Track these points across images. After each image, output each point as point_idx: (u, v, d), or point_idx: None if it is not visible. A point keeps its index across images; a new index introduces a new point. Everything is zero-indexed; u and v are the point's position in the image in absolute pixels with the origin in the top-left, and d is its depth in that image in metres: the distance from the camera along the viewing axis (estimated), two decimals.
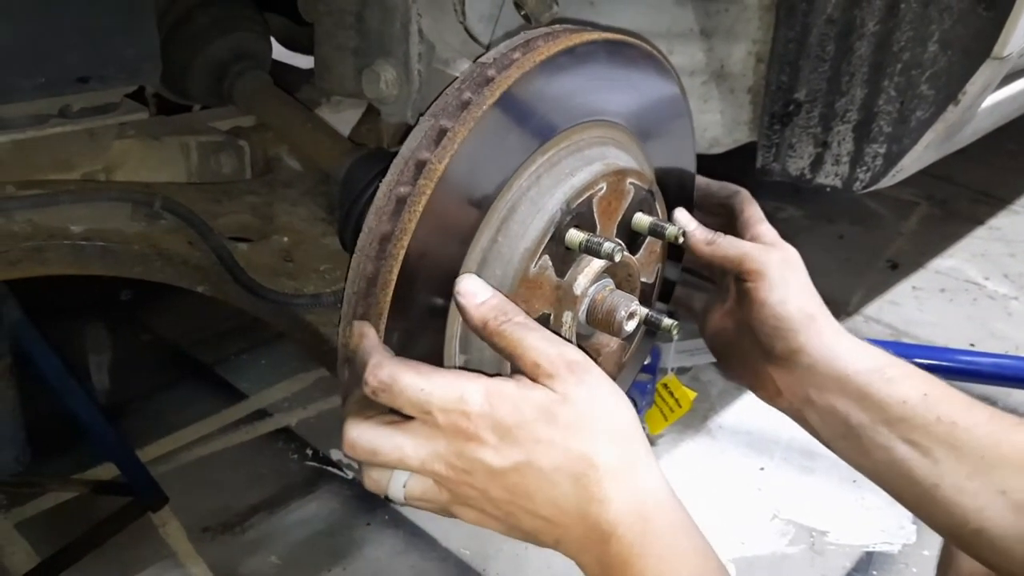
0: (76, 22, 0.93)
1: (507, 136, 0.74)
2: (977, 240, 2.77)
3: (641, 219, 0.85)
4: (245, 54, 1.22)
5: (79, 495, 1.52)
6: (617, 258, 0.76)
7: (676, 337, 0.88)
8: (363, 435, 0.65)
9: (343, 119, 1.43)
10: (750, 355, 0.86)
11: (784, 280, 0.83)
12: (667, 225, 0.84)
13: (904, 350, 1.75)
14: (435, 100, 0.73)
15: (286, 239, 1.14)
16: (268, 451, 1.69)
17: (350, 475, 1.63)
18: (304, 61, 1.48)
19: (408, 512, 1.54)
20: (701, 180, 0.98)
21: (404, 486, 0.66)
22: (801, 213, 2.79)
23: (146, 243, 1.06)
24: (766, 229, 0.89)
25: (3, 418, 1.36)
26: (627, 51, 0.83)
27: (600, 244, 0.76)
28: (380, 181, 0.86)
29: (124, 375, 1.85)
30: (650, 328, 0.87)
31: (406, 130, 1.06)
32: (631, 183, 0.83)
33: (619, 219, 0.83)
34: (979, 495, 0.75)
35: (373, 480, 0.67)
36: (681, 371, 1.86)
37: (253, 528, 1.50)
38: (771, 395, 0.86)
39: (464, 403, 0.63)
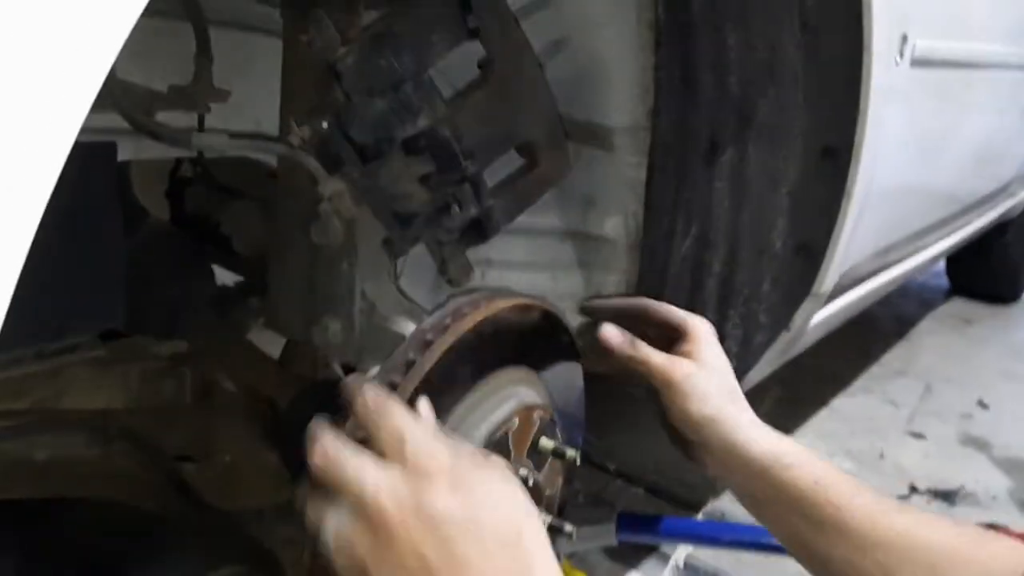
0: (58, 284, 1.09)
1: (443, 386, 0.94)
2: (821, 421, 3.09)
3: (546, 443, 1.04)
4: (193, 291, 1.39)
5: None
6: (529, 482, 0.96)
7: (574, 540, 1.07)
8: (336, 445, 0.69)
9: (266, 339, 1.60)
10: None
11: (684, 392, 1.02)
12: (567, 449, 1.04)
13: (765, 533, 1.96)
14: (387, 359, 0.92)
15: (227, 458, 1.27)
16: None
17: None
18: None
19: None
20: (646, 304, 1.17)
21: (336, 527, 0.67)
22: None
23: (104, 467, 1.18)
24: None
25: None
26: (530, 311, 1.05)
27: (515, 470, 0.95)
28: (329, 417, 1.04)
29: None
30: (554, 531, 1.06)
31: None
32: (537, 415, 1.03)
33: (529, 444, 1.03)
34: (863, 569, 0.91)
35: (314, 509, 0.68)
36: (571, 555, 2.03)
37: None
38: (701, 464, 1.05)
39: (439, 452, 0.69)
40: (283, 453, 1.19)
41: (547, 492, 1.06)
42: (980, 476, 2.80)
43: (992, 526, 2.18)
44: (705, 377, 1.04)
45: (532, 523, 0.71)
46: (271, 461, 1.25)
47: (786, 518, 0.97)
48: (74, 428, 1.22)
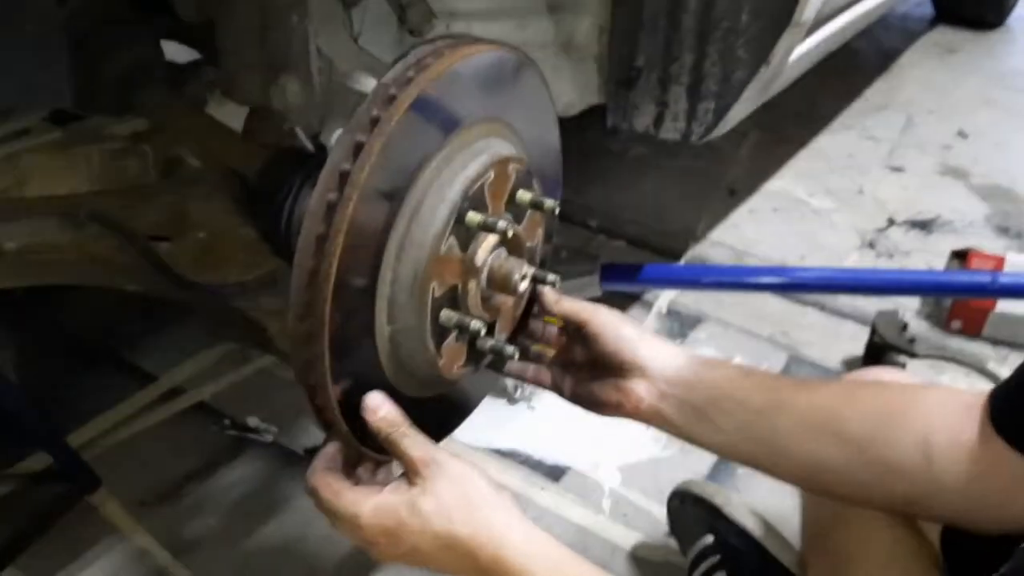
0: None
1: (411, 142, 0.90)
2: (801, 161, 3.08)
3: (523, 195, 1.02)
4: (142, 65, 1.31)
5: (14, 489, 1.60)
6: (509, 233, 0.94)
7: (558, 288, 1.08)
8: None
9: (227, 112, 1.54)
10: (609, 382, 1.05)
11: (613, 316, 1.06)
12: (545, 199, 1.02)
13: (745, 272, 2.01)
14: (350, 119, 0.87)
15: (202, 234, 1.25)
16: (187, 426, 1.80)
17: (269, 438, 1.77)
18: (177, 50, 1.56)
19: None
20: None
21: None
22: (647, 151, 3.03)
23: (79, 252, 1.16)
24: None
25: None
26: (499, 59, 0.99)
27: (495, 223, 0.93)
28: (299, 184, 1.01)
29: (30, 370, 1.91)
30: (538, 282, 1.06)
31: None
32: (513, 167, 1.00)
33: (506, 197, 1.01)
34: (810, 437, 0.96)
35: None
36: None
37: (187, 496, 1.63)
38: (636, 406, 1.03)
39: (358, 518, 0.83)
40: (257, 224, 1.17)
41: (528, 244, 1.05)
42: (957, 204, 2.83)
43: (964, 251, 2.24)
44: (624, 316, 1.08)
45: (452, 519, 0.83)
46: (247, 234, 1.23)
47: (730, 414, 1.00)
48: (42, 215, 1.19)
